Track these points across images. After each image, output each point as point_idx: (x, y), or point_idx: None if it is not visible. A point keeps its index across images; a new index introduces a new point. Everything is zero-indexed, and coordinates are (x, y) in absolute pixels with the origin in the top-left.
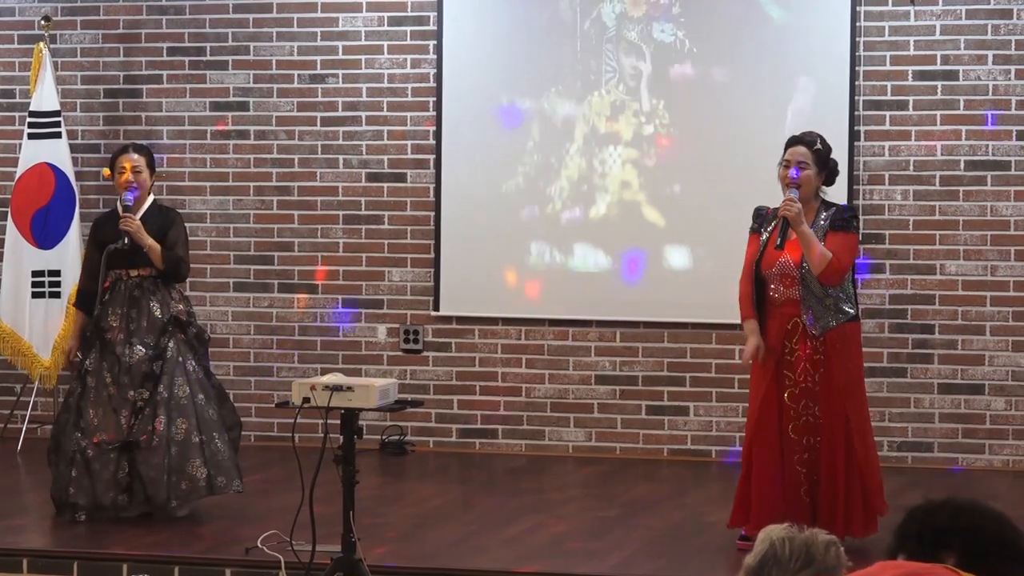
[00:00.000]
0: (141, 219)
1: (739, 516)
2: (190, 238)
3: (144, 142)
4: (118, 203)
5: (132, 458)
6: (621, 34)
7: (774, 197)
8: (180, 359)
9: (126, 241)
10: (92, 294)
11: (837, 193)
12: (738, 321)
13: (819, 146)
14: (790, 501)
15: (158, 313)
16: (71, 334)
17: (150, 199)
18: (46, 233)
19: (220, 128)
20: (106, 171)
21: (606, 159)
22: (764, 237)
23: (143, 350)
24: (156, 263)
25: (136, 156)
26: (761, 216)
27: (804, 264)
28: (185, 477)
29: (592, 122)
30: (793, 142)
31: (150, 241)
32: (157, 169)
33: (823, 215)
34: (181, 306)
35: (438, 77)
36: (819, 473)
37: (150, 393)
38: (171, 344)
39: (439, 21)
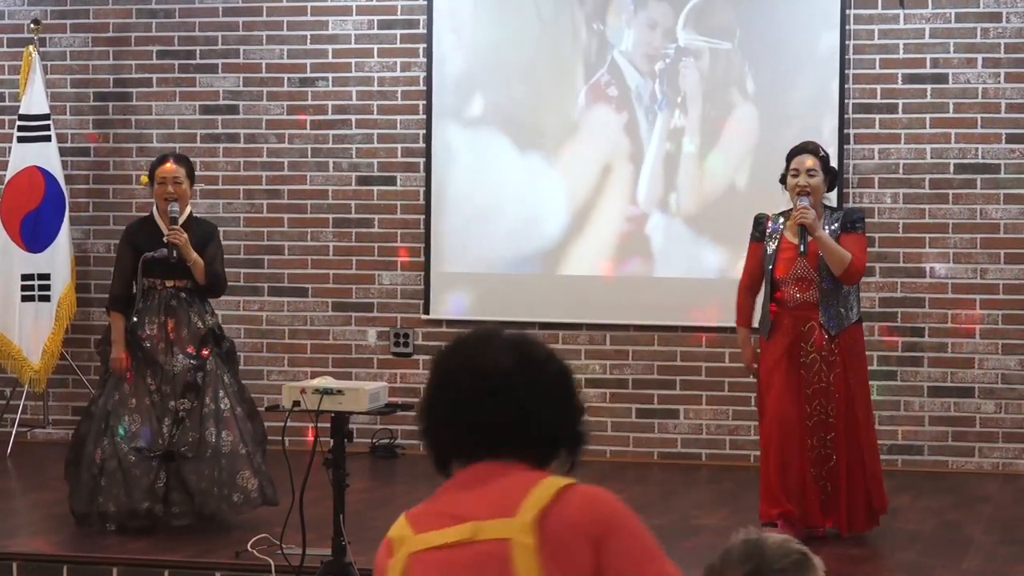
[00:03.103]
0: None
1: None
2: None
3: (134, 146)
4: (154, 211)
5: (171, 468)
6: (616, 40)
7: (763, 203)
8: (218, 372)
9: (175, 254)
10: (127, 297)
11: (828, 195)
12: (729, 324)
13: (823, 153)
14: (808, 498)
15: (199, 324)
16: (115, 340)
17: (188, 209)
18: (36, 237)
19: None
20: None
21: (598, 162)
22: (773, 246)
23: (185, 360)
24: (198, 278)
25: (176, 167)
26: (762, 224)
27: (822, 268)
28: (237, 489)
29: (583, 125)
30: (799, 151)
31: (195, 256)
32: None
33: (829, 219)
34: (214, 319)
35: (428, 80)
36: (829, 470)
37: (192, 404)
38: (211, 356)
39: (429, 24)
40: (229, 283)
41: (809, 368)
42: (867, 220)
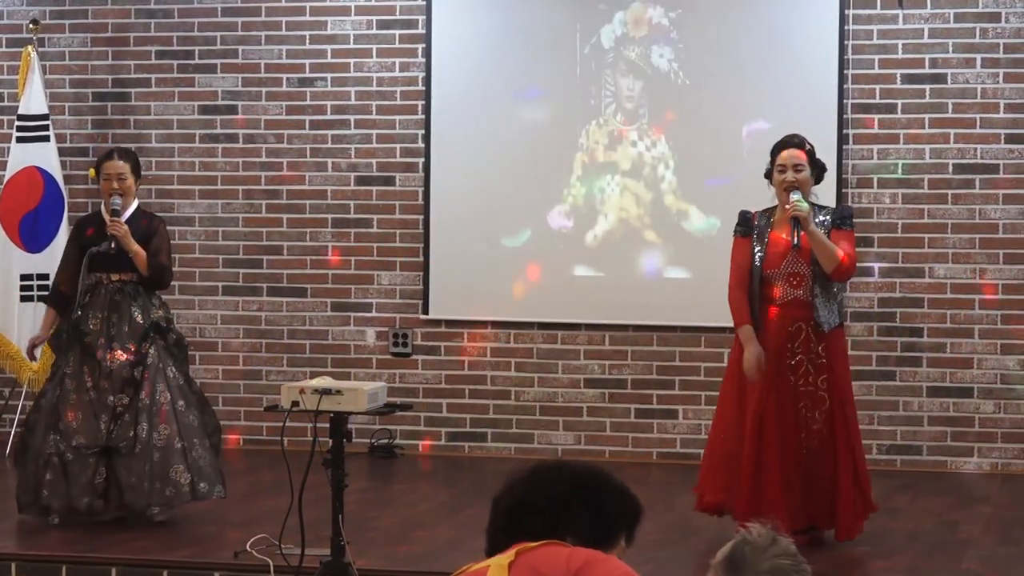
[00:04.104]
0: (125, 224)
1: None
2: (179, 242)
3: (133, 146)
4: (102, 207)
5: (111, 464)
6: (614, 41)
7: (762, 202)
8: (161, 365)
9: (113, 245)
10: (67, 294)
11: (826, 196)
12: (727, 324)
13: (809, 146)
14: (792, 503)
15: (139, 318)
16: (41, 325)
17: (134, 204)
18: (35, 237)
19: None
20: (92, 172)
21: (597, 163)
22: (761, 246)
23: (124, 355)
24: (141, 269)
25: (120, 162)
26: (747, 220)
27: (814, 263)
28: (169, 483)
29: (581, 125)
30: (785, 145)
31: (136, 247)
32: (144, 172)
33: (819, 215)
34: (161, 312)
35: (427, 80)
36: (817, 476)
37: (130, 399)
38: (152, 350)
39: (428, 24)
40: (228, 283)
41: (795, 370)
42: (866, 221)
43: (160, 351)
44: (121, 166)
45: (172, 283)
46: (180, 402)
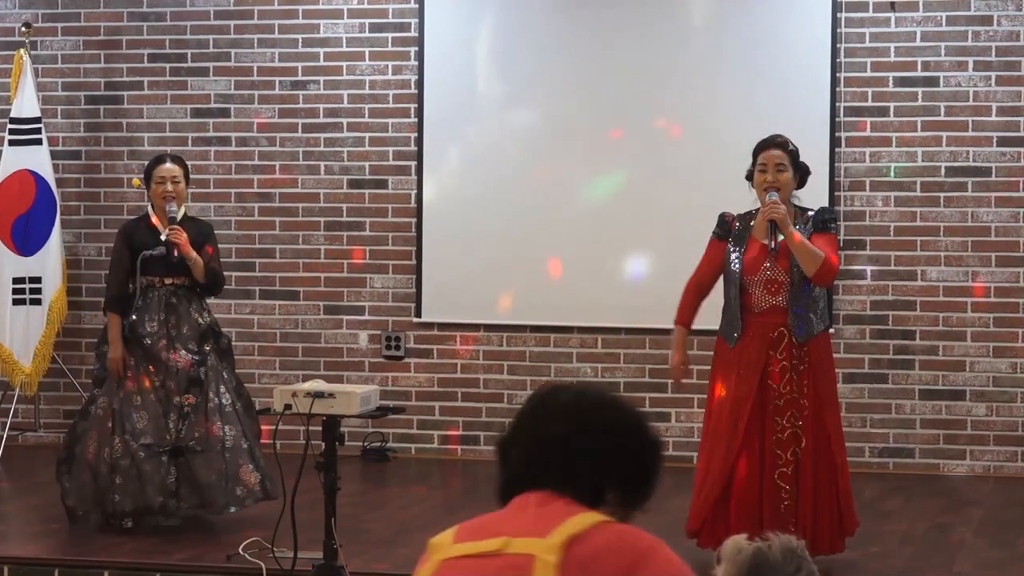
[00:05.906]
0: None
1: (709, 535)
2: None
3: (125, 149)
4: (149, 209)
5: (180, 463)
6: (608, 47)
7: (754, 206)
8: (219, 367)
9: (177, 253)
10: (124, 297)
11: (819, 199)
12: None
13: (792, 147)
14: (770, 518)
15: (199, 320)
16: (112, 340)
17: (182, 210)
18: (27, 240)
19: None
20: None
21: (589, 165)
22: (739, 249)
23: (188, 356)
24: (198, 276)
25: (175, 166)
26: (726, 223)
27: (793, 269)
28: (240, 482)
29: (573, 128)
30: (766, 145)
31: (195, 255)
32: (140, 175)
33: (800, 219)
34: (211, 316)
35: (419, 84)
36: (799, 487)
37: (196, 399)
38: (211, 351)
39: (420, 28)
40: None
41: (777, 378)
42: (858, 224)
43: (215, 353)
44: (175, 169)
45: None
46: (238, 404)
